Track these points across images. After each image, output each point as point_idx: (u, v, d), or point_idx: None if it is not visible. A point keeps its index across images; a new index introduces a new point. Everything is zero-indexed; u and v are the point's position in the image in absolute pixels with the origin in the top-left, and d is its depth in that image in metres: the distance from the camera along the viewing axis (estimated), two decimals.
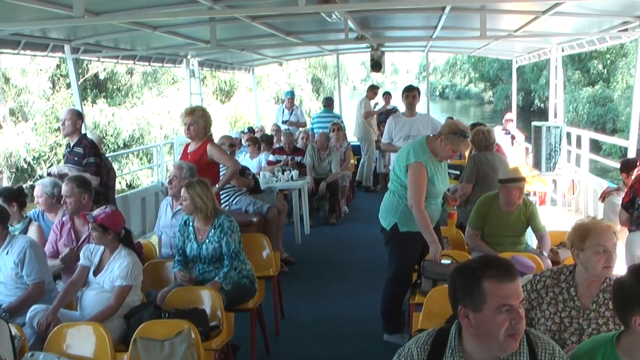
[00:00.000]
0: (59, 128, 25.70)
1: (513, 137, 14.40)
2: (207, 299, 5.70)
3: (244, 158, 12.19)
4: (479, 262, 3.00)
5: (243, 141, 13.44)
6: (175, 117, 25.95)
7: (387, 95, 17.81)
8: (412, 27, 13.52)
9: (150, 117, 27.79)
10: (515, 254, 6.28)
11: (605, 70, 35.08)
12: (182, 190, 6.30)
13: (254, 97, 21.88)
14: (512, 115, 15.63)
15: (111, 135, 26.71)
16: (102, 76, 28.70)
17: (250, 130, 15.27)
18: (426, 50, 18.80)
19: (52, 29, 9.23)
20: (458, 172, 10.08)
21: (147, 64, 14.43)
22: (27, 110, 25.25)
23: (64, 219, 6.53)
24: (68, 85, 26.11)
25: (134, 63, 13.97)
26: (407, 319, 6.45)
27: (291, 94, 16.81)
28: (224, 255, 6.14)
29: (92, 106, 27.06)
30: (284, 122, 15.81)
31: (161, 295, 5.82)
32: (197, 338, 4.92)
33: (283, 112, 16.43)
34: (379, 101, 17.95)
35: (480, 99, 67.28)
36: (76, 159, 7.81)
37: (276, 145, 13.26)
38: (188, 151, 7.98)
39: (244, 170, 10.18)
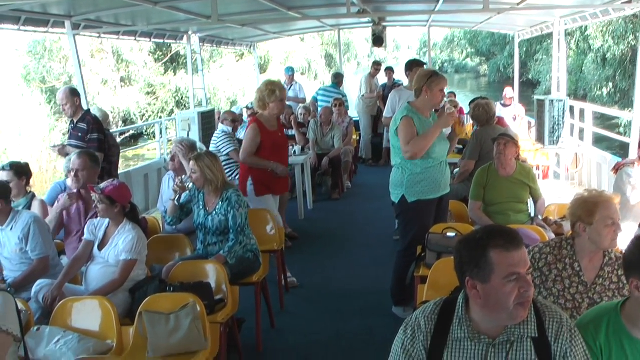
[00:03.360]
0: (151, 92, 32.64)
1: (515, 116, 14.36)
2: (212, 272, 5.70)
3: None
4: (483, 233, 2.97)
5: (245, 117, 13.42)
6: (236, 85, 35.65)
7: (389, 71, 17.76)
8: (414, 1, 13.42)
9: (217, 84, 35.42)
10: (519, 226, 6.28)
11: (576, 42, 35.97)
12: (191, 163, 6.30)
13: (256, 74, 21.87)
14: (514, 92, 15.58)
15: (187, 97, 31.95)
16: (182, 52, 34.09)
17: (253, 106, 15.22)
18: (428, 25, 18.70)
19: (52, 4, 9.16)
20: (461, 147, 10.06)
21: (147, 40, 14.33)
22: (133, 78, 34.28)
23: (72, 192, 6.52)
24: (156, 60, 35.52)
25: (135, 39, 13.85)
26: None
27: (291, 71, 16.77)
28: (230, 229, 6.14)
29: (175, 75, 35.11)
30: None
31: (166, 270, 5.82)
32: (202, 311, 4.92)
33: None
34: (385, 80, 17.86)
35: (476, 72, 70.65)
36: (80, 134, 7.81)
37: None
38: (272, 129, 7.82)
39: None
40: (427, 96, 6.39)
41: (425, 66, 9.72)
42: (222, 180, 6.29)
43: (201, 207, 6.32)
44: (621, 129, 22.50)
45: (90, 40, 28.43)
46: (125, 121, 32.04)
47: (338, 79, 16.08)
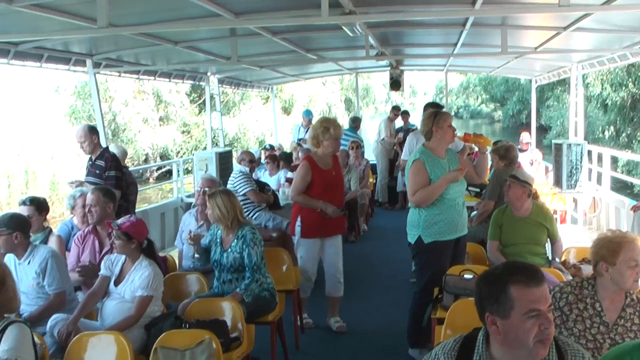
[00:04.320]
0: (186, 130, 36.02)
1: (532, 161, 14.31)
2: (228, 310, 5.69)
3: (263, 175, 12.20)
4: (504, 268, 2.95)
5: (262, 158, 13.48)
6: (264, 125, 38.26)
7: (405, 115, 17.83)
8: (432, 44, 13.48)
9: (247, 124, 39.19)
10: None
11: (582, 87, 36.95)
12: (207, 200, 6.34)
13: (273, 115, 22.03)
14: (531, 137, 15.57)
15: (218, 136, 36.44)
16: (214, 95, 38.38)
17: (271, 147, 15.31)
18: (445, 70, 18.78)
19: (74, 42, 9.28)
20: (478, 190, 10.05)
21: (167, 80, 14.46)
22: (171, 117, 37.62)
23: (86, 231, 6.55)
24: (191, 101, 38.37)
25: (155, 79, 13.96)
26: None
27: (310, 114, 16.88)
28: (246, 267, 6.13)
29: None
30: (299, 140, 15.87)
31: (182, 307, 5.80)
32: (218, 348, 4.90)
33: (299, 131, 16.55)
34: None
35: (491, 118, 71.66)
36: (97, 171, 7.85)
37: (295, 163, 13.24)
38: (325, 167, 7.52)
39: (263, 187, 10.20)
40: (439, 135, 6.43)
41: (442, 109, 9.74)
42: (234, 219, 6.27)
43: (218, 244, 6.32)
44: (619, 169, 23.27)
45: (133, 82, 31.86)
46: (162, 157, 35.47)
47: (356, 122, 16.17)
